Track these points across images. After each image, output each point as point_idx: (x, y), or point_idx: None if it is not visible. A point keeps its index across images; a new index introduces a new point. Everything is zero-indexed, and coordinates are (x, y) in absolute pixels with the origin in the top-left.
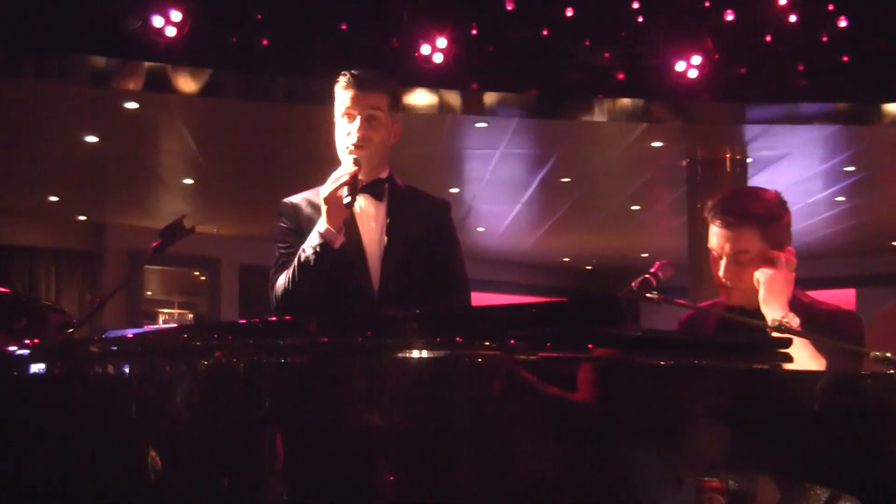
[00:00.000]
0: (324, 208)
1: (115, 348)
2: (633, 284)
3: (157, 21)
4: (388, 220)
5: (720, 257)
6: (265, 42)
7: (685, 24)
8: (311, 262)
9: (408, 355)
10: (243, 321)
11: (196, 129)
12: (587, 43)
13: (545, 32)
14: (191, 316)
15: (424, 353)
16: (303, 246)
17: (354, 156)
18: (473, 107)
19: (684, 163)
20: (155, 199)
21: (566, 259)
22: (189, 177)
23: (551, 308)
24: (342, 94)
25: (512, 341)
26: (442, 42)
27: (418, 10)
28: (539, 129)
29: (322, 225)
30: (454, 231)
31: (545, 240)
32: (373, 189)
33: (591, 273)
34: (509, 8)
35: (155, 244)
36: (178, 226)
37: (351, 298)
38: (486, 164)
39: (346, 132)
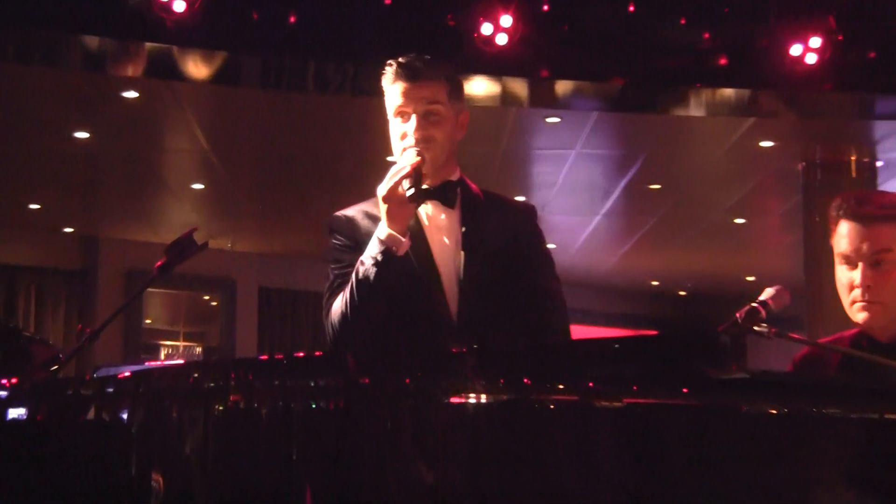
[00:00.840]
0: (383, 208)
1: (110, 389)
2: (737, 315)
3: None
4: (463, 231)
5: (853, 263)
6: (292, 19)
7: None
8: (372, 277)
9: (464, 400)
10: (265, 357)
11: (208, 124)
12: (682, 21)
13: (631, 8)
14: (199, 349)
15: (484, 397)
16: (360, 258)
17: (417, 148)
18: (544, 98)
19: (800, 166)
20: (158, 207)
21: (655, 283)
22: (199, 181)
23: (638, 343)
24: (391, 89)
25: (591, 383)
26: (506, 20)
27: None
28: (623, 125)
29: (382, 230)
30: (543, 241)
31: (630, 259)
32: (442, 194)
33: (686, 300)
34: None
35: (159, 263)
36: (188, 241)
37: (424, 327)
38: (558, 167)
39: (400, 134)
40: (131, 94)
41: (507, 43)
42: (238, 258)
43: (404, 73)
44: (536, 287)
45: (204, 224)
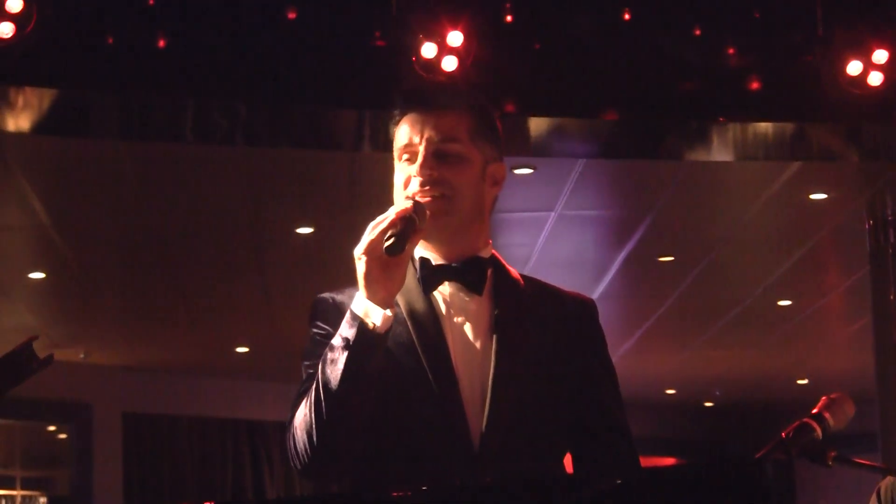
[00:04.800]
0: (360, 271)
1: None
2: (784, 435)
3: None
4: (495, 328)
5: None
6: (162, 44)
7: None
8: (342, 366)
9: None
10: None
11: (48, 190)
12: (697, 32)
13: (627, 16)
14: (44, 501)
15: None
16: (331, 342)
17: (428, 197)
18: (510, 142)
19: (866, 226)
20: None
21: (671, 391)
22: (38, 269)
23: (646, 478)
24: (400, 129)
25: None
26: (456, 38)
27: None
28: (620, 176)
29: (358, 300)
30: (606, 347)
31: (635, 359)
32: (466, 275)
33: (713, 413)
34: None
35: None
36: (25, 354)
37: (431, 454)
38: (532, 235)
39: (404, 180)
40: None
41: (458, 68)
42: (94, 374)
43: (415, 100)
44: (597, 408)
45: (46, 328)
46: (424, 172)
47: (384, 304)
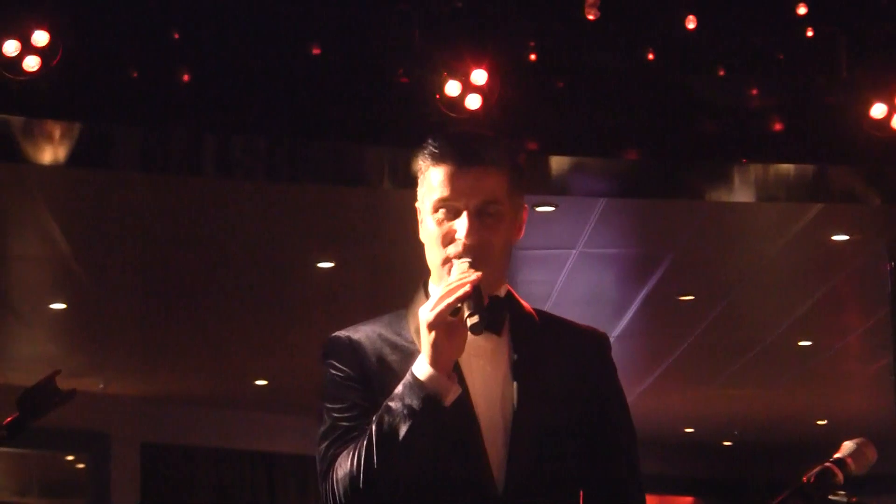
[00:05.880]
0: (426, 339)
1: None
2: (804, 479)
3: (10, 47)
4: (513, 368)
5: None
6: (185, 79)
7: (885, 40)
8: (404, 433)
9: None
10: None
11: (69, 221)
12: (721, 73)
13: (651, 56)
14: None
15: None
16: (388, 403)
17: (468, 259)
18: (532, 180)
19: (887, 267)
20: (2, 338)
21: (689, 430)
22: (58, 299)
23: None
24: (432, 173)
25: None
26: (480, 76)
27: (440, 26)
28: (641, 215)
29: (423, 368)
30: (619, 384)
31: (654, 398)
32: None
33: (731, 453)
34: (590, 17)
35: (9, 419)
36: (48, 388)
37: (455, 496)
38: (553, 273)
39: (441, 235)
40: None
41: (482, 106)
42: (112, 404)
43: (455, 153)
44: (614, 446)
45: (66, 358)
46: (473, 238)
47: (447, 371)
